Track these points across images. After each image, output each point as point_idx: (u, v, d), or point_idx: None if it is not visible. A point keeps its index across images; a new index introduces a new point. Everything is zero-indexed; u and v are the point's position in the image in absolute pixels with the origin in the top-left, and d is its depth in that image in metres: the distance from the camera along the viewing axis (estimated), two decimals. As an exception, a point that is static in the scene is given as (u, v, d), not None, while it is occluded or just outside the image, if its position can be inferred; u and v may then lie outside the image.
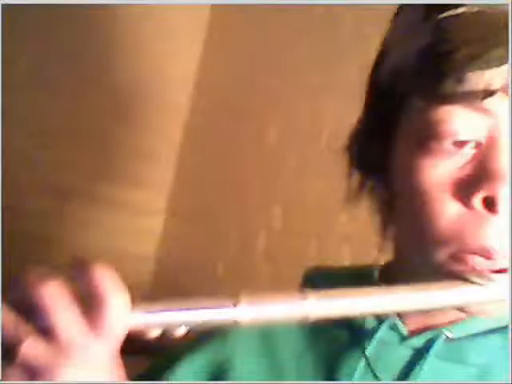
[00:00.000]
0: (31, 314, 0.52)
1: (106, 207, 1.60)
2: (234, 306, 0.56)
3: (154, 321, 0.56)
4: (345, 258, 1.31)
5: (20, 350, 0.50)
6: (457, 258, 0.61)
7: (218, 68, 1.69)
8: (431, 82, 0.60)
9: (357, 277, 0.74)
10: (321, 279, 0.75)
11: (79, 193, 1.57)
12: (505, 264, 0.60)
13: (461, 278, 0.61)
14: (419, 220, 0.63)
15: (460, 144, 0.61)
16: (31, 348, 0.51)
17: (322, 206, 1.39)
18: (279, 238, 1.46)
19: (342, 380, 0.68)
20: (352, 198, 0.72)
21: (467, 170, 0.61)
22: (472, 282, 0.60)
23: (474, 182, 0.60)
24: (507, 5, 0.60)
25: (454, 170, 0.61)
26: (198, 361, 0.73)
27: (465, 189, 0.61)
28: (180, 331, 0.57)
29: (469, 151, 0.61)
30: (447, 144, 0.61)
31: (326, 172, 1.39)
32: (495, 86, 0.58)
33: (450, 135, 0.60)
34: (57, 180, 1.54)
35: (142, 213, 1.65)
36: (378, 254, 0.74)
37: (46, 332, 0.51)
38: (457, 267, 0.61)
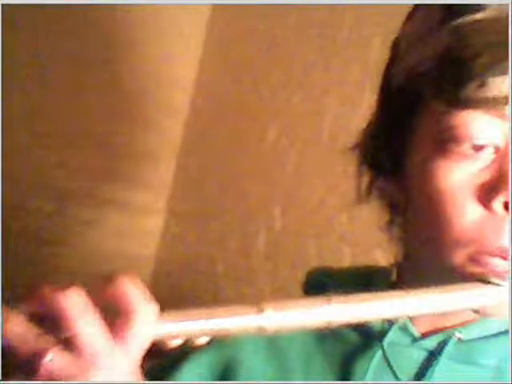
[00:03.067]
0: (52, 324, 0.50)
1: (106, 207, 1.59)
2: (259, 312, 0.56)
3: (178, 330, 0.55)
4: (345, 259, 1.31)
5: (43, 363, 0.49)
6: (475, 259, 0.61)
7: (218, 68, 1.69)
8: (453, 87, 0.61)
9: (364, 279, 0.74)
10: (325, 281, 0.75)
11: (79, 193, 1.57)
12: None
13: (479, 279, 0.61)
14: (437, 223, 0.63)
15: (479, 148, 0.61)
16: (55, 360, 0.49)
17: (322, 206, 1.39)
18: (279, 238, 1.46)
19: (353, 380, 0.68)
20: (361, 197, 0.72)
21: (487, 174, 0.61)
22: (490, 283, 0.61)
23: (494, 186, 0.61)
24: (507, 5, 0.60)
25: (473, 173, 0.62)
26: (204, 360, 0.73)
27: (485, 192, 0.61)
28: (202, 340, 0.56)
29: (488, 155, 0.62)
30: (466, 148, 0.61)
31: (326, 172, 1.39)
32: None
33: (469, 139, 0.61)
34: (57, 180, 1.54)
35: (142, 213, 1.65)
36: (384, 254, 0.74)
37: (68, 343, 0.50)
38: (475, 269, 0.61)
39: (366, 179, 0.72)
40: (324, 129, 1.42)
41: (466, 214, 0.61)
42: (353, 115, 1.30)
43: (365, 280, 0.73)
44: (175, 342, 0.56)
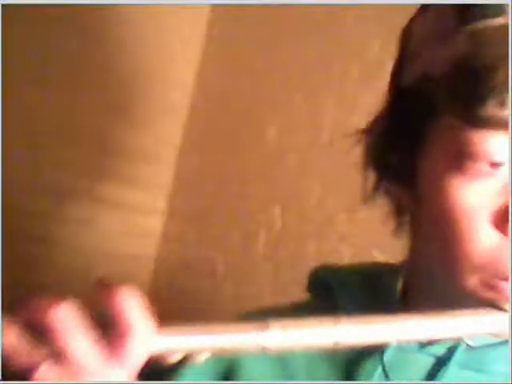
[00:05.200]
0: (46, 337, 0.50)
1: (105, 207, 1.59)
2: (262, 331, 0.54)
3: (178, 346, 0.53)
4: (344, 259, 1.30)
5: (35, 376, 0.49)
6: (488, 284, 0.60)
7: (218, 68, 1.69)
8: (469, 103, 0.57)
9: (370, 280, 0.72)
10: (329, 280, 0.74)
11: (79, 193, 1.57)
12: None
13: (492, 304, 0.59)
14: (449, 243, 0.61)
15: (496, 165, 0.59)
16: (46, 374, 0.49)
17: (322, 206, 1.39)
18: (279, 237, 1.46)
19: None
20: (367, 197, 0.71)
21: (503, 195, 0.59)
22: (503, 310, 0.59)
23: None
24: (507, 5, 0.59)
25: (490, 193, 0.59)
26: (205, 366, 0.72)
27: (502, 216, 0.59)
28: (203, 356, 0.55)
29: (505, 173, 0.59)
30: (483, 165, 0.59)
31: (326, 172, 1.39)
32: None
33: (487, 156, 0.58)
34: (57, 180, 1.54)
35: (141, 213, 1.65)
36: (384, 254, 0.73)
37: (60, 357, 0.49)
38: (488, 293, 0.60)
39: (372, 179, 0.70)
40: (324, 129, 1.42)
41: (481, 238, 0.59)
42: (353, 115, 1.30)
43: (371, 281, 0.72)
44: (174, 358, 0.54)
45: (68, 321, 0.49)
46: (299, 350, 0.58)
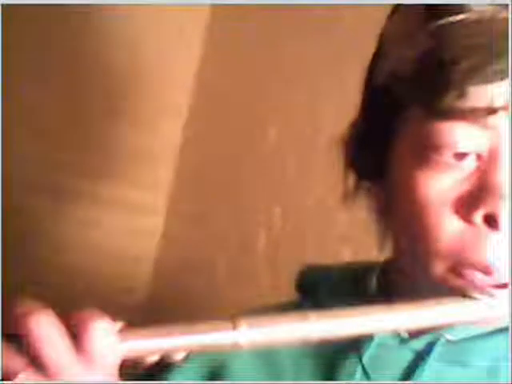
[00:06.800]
0: (26, 345, 0.52)
1: (105, 207, 1.59)
2: (234, 328, 0.56)
3: (153, 347, 0.55)
4: (344, 258, 1.31)
5: (15, 382, 0.51)
6: (455, 271, 0.60)
7: (218, 68, 1.69)
8: (431, 96, 0.59)
9: (353, 278, 0.74)
10: (316, 280, 0.75)
11: (79, 193, 1.57)
12: (505, 279, 0.59)
13: (460, 293, 0.60)
14: (416, 233, 0.62)
15: (460, 156, 0.60)
16: (26, 381, 0.51)
17: (322, 206, 1.39)
18: (279, 237, 1.46)
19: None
20: (348, 197, 0.72)
21: (468, 185, 0.60)
22: (471, 298, 0.59)
23: (475, 198, 0.59)
24: (507, 5, 0.60)
25: (454, 183, 0.60)
26: (192, 367, 0.72)
27: (465, 204, 0.59)
28: (179, 356, 0.57)
29: (470, 164, 0.60)
30: (447, 156, 0.60)
31: (326, 172, 1.39)
32: (497, 103, 0.57)
33: (450, 147, 0.59)
34: (57, 180, 1.54)
35: (141, 213, 1.65)
36: (378, 252, 0.74)
37: (40, 364, 0.52)
38: (455, 281, 0.60)
39: (352, 179, 0.71)
40: (323, 129, 1.42)
41: (446, 226, 0.60)
42: (352, 116, 1.30)
43: (356, 280, 0.73)
44: (152, 359, 0.56)
45: (45, 329, 0.52)
46: (272, 345, 0.60)
